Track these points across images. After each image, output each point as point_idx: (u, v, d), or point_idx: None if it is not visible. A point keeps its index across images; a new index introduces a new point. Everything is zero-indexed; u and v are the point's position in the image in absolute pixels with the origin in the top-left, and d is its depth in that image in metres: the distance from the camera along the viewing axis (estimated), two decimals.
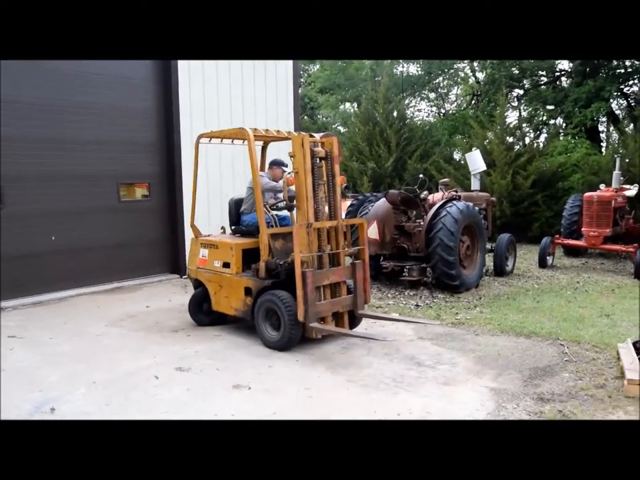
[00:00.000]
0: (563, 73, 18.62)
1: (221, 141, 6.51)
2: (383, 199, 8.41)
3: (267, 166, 6.82)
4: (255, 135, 5.83)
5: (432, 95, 24.38)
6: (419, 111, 24.38)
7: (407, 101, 21.01)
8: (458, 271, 7.74)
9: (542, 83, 19.08)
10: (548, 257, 10.25)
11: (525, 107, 18.46)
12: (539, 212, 13.62)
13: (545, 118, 18.07)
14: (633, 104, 17.09)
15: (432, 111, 24.85)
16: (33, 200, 7.66)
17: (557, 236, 10.73)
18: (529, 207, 13.67)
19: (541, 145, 15.18)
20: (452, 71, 22.03)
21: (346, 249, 5.75)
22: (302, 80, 25.19)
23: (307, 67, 26.72)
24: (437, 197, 8.69)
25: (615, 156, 11.51)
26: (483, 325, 6.26)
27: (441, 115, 23.74)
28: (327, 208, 5.66)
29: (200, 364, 5.03)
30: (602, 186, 10.95)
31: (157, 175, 9.20)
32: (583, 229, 10.29)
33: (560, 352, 5.30)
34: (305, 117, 24.05)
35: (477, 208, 8.62)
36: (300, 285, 5.15)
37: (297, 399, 4.27)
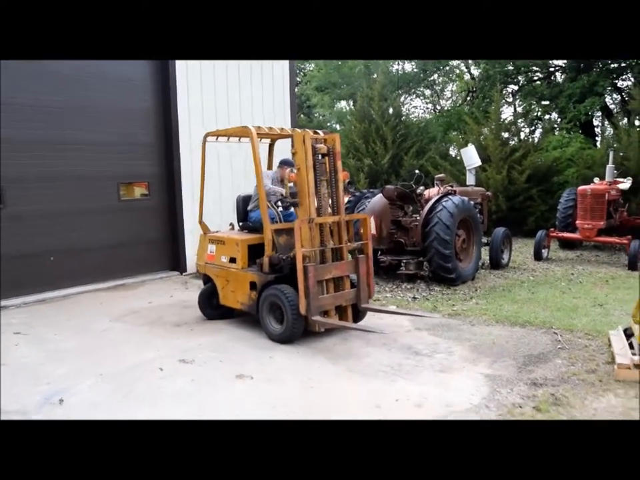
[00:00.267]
0: (557, 68, 18.75)
1: (228, 139, 6.62)
2: (380, 195, 8.55)
3: (275, 165, 6.92)
4: (258, 133, 5.95)
5: (427, 92, 24.50)
6: (415, 107, 24.52)
7: (402, 98, 21.10)
8: (454, 264, 7.88)
9: (536, 78, 19.23)
10: (543, 250, 10.39)
11: (520, 103, 18.60)
12: (534, 206, 13.76)
13: (539, 113, 18.20)
14: (626, 98, 17.23)
15: (427, 108, 25.00)
16: (33, 200, 7.75)
17: (552, 229, 10.87)
18: (524, 201, 13.80)
19: (536, 139, 15.32)
20: (447, 67, 22.17)
21: (349, 243, 5.85)
22: (298, 79, 25.30)
23: (302, 66, 26.83)
24: (432, 192, 8.82)
25: (609, 150, 11.64)
26: (479, 315, 6.40)
27: (437, 111, 23.86)
28: (329, 203, 5.76)
29: (203, 356, 5.17)
30: (596, 179, 11.10)
31: (156, 175, 9.31)
32: (577, 222, 10.43)
33: (553, 340, 5.44)
34: (302, 116, 24.15)
35: (472, 202, 8.75)
36: (302, 279, 5.28)
37: (299, 389, 4.41)
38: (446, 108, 23.63)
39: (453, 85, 24.51)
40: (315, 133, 5.83)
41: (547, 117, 18.23)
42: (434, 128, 18.98)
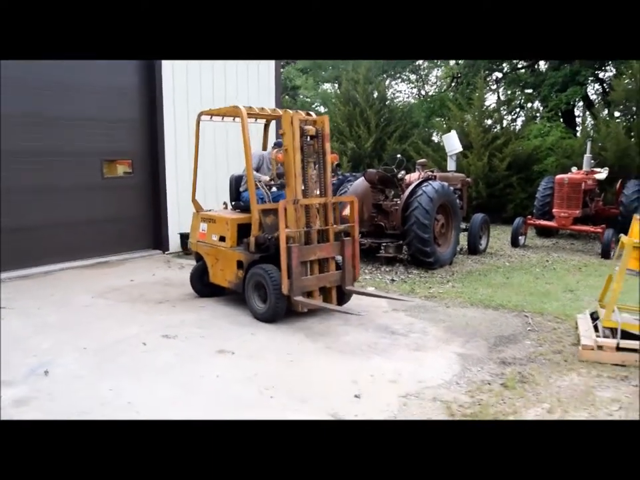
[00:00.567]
0: None
1: (222, 118, 6.64)
2: (362, 178, 8.68)
3: (269, 146, 6.98)
4: (249, 113, 6.02)
5: (412, 77, 24.54)
6: (400, 92, 24.56)
7: (387, 82, 21.12)
8: (432, 248, 8.07)
9: (520, 66, 19.40)
10: (520, 237, 10.64)
11: (504, 90, 18.78)
12: (513, 193, 14.00)
13: (522, 101, 18.41)
14: (607, 89, 17.49)
15: (412, 93, 25.06)
16: (17, 176, 7.75)
17: (530, 217, 11.12)
18: (504, 189, 14.03)
19: (517, 127, 15.53)
20: None
21: (335, 225, 5.93)
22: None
23: None
24: (413, 177, 8.96)
25: (586, 140, 11.89)
26: (454, 298, 6.61)
27: (421, 96, 23.95)
28: (317, 185, 5.84)
29: (186, 332, 5.30)
30: (573, 169, 11.33)
31: (139, 152, 9.34)
32: (553, 210, 10.67)
33: (524, 322, 5.67)
34: (287, 97, 24.07)
35: (452, 188, 8.92)
36: (284, 260, 5.38)
37: (279, 363, 4.57)
38: (430, 93, 23.72)
39: (438, 70, 24.57)
40: (308, 114, 5.89)
41: (529, 105, 18.45)
42: (418, 113, 19.10)
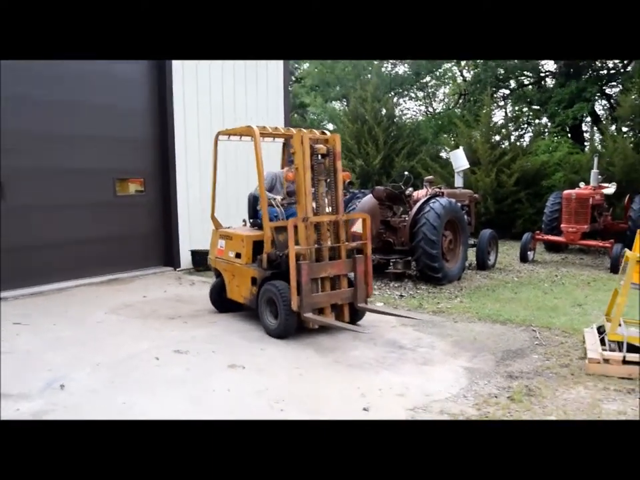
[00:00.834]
0: (547, 73, 19.08)
1: (240, 138, 6.74)
2: (370, 195, 8.79)
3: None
4: (261, 133, 6.12)
5: (420, 94, 24.76)
6: (407, 109, 24.78)
7: (395, 100, 21.34)
8: (440, 263, 8.14)
9: (527, 83, 19.55)
10: (529, 252, 10.68)
11: (511, 106, 18.91)
12: (522, 209, 14.06)
13: (529, 117, 18.52)
14: (614, 105, 17.57)
15: (420, 110, 25.27)
16: (32, 194, 7.93)
17: (538, 232, 11.17)
18: (512, 204, 14.10)
19: (525, 143, 15.62)
20: (440, 70, 22.44)
21: (347, 243, 5.96)
22: (293, 77, 25.51)
23: (297, 65, 27.03)
24: (421, 194, 9.07)
25: (593, 155, 11.95)
26: (462, 313, 6.66)
27: (429, 113, 24.14)
28: (328, 203, 5.88)
29: (197, 347, 5.38)
30: (581, 184, 11.41)
31: (151, 171, 9.52)
32: (561, 225, 10.72)
33: (532, 337, 5.71)
34: (295, 115, 24.35)
35: (459, 204, 9.01)
36: (294, 276, 5.45)
37: (288, 377, 4.64)
38: (438, 110, 23.92)
39: (445, 87, 24.78)
40: (323, 133, 6.00)
41: (536, 121, 18.57)
42: (425, 130, 19.26)
